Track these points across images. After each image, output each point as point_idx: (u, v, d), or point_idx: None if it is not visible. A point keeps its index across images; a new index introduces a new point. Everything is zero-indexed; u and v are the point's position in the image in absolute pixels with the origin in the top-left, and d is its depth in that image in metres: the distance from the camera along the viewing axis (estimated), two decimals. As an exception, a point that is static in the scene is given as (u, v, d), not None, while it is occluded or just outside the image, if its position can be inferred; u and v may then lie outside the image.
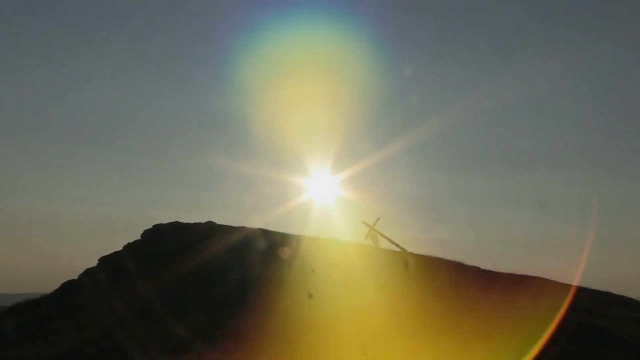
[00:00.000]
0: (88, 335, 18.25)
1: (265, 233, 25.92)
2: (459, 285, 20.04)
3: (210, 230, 27.23)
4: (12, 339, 18.36)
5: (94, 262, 26.48)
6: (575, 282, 21.48)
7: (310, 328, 15.62)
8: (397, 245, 26.11)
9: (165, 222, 29.13)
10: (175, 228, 28.29)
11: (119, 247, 27.49)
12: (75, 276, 25.79)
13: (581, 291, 20.58)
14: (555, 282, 21.80)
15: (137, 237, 28.37)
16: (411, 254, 24.96)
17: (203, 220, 28.77)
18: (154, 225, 28.90)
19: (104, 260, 26.25)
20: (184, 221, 29.12)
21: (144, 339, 15.72)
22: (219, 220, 28.69)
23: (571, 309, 17.06)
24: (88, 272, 25.67)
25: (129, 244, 27.69)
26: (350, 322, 15.99)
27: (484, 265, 23.08)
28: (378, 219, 26.29)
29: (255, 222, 27.80)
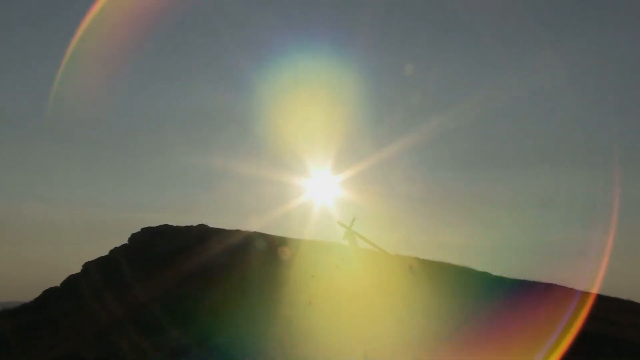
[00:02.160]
0: (69, 348, 18.32)
1: (261, 236, 25.84)
2: (468, 292, 19.93)
3: (203, 233, 27.20)
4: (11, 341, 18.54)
5: (77, 268, 26.69)
6: (593, 290, 21.45)
7: (311, 336, 15.64)
8: (375, 245, 26.14)
9: (154, 225, 29.20)
10: (166, 231, 28.28)
11: (105, 252, 27.63)
12: (57, 283, 26.10)
13: (599, 299, 20.57)
14: (571, 289, 21.69)
15: (125, 241, 28.48)
16: (390, 255, 24.97)
17: (195, 223, 28.80)
18: (142, 229, 28.97)
19: (89, 266, 26.27)
20: (175, 224, 29.18)
21: (134, 349, 15.73)
22: (213, 223, 28.82)
23: (588, 318, 17.06)
24: (71, 279, 25.89)
25: (115, 248, 27.76)
26: (352, 330, 15.99)
27: (495, 271, 23.08)
28: (355, 218, 26.26)
29: (251, 224, 27.83)
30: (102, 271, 24.63)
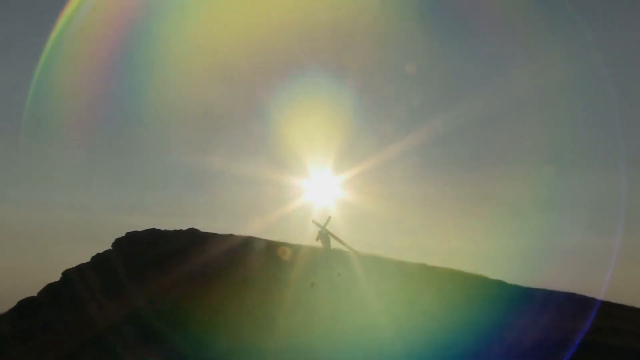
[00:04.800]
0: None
1: (256, 241, 25.55)
2: (480, 302, 19.59)
3: (193, 238, 26.96)
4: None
5: (56, 277, 26.38)
6: (603, 297, 21.31)
7: (312, 349, 15.52)
8: (348, 247, 26.00)
9: (140, 229, 28.94)
10: (152, 236, 28.02)
11: (87, 259, 27.35)
12: (34, 293, 25.76)
13: (612, 307, 20.45)
14: (592, 298, 21.55)
15: (108, 246, 28.24)
16: (366, 256, 24.68)
17: (184, 227, 28.54)
18: (127, 233, 28.73)
19: (68, 274, 26.03)
20: (163, 228, 28.92)
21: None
22: (203, 227, 28.59)
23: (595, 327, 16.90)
24: (50, 288, 25.61)
25: (98, 254, 27.49)
26: (355, 343, 15.86)
27: (510, 279, 22.76)
28: (330, 217, 26.09)
29: (245, 229, 27.60)
30: (78, 281, 24.41)
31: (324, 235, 25.61)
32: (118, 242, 28.02)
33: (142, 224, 40.96)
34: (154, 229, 28.72)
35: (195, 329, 17.43)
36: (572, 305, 20.17)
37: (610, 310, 19.80)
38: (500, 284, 21.98)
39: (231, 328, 17.02)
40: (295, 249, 24.51)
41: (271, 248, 24.45)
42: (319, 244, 26.00)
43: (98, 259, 27.13)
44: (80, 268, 26.31)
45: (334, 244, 26.21)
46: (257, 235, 26.40)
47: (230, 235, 26.65)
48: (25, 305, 24.86)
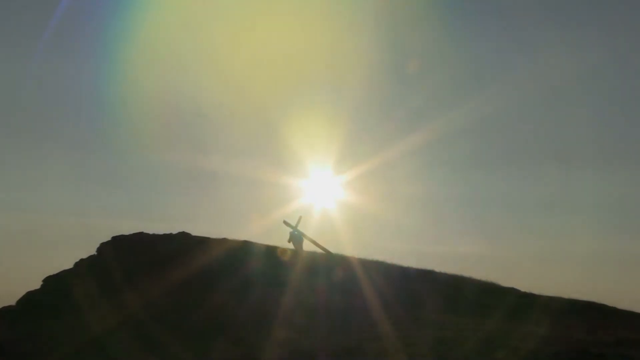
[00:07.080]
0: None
1: (252, 246, 25.31)
2: (492, 311, 19.05)
3: (183, 243, 26.71)
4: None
5: (37, 284, 26.12)
6: (615, 304, 20.62)
7: (312, 354, 15.00)
8: (322, 248, 25.81)
9: (127, 233, 28.67)
10: (140, 241, 27.73)
11: (70, 265, 27.12)
12: (13, 302, 25.40)
13: (624, 315, 19.90)
14: (602, 305, 20.75)
15: (93, 251, 27.94)
16: (341, 257, 24.33)
17: (175, 231, 28.34)
18: (113, 237, 28.36)
19: (49, 281, 25.79)
20: (151, 232, 28.69)
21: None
22: (195, 230, 28.41)
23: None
24: (29, 297, 25.22)
25: (81, 260, 27.21)
26: (356, 349, 14.97)
27: (523, 286, 22.39)
28: (300, 217, 25.77)
29: (240, 232, 27.33)
30: (60, 289, 24.01)
31: (297, 236, 25.28)
32: (103, 247, 27.59)
33: (126, 228, 40.39)
34: (141, 233, 28.41)
35: (194, 334, 17.40)
36: (582, 313, 19.65)
37: (622, 319, 19.13)
38: (510, 291, 21.65)
39: (230, 332, 16.98)
40: (295, 252, 24.34)
41: (269, 252, 24.10)
42: (306, 245, 25.69)
43: (83, 264, 26.68)
44: (66, 274, 25.94)
45: (307, 245, 26.07)
46: (252, 239, 26.27)
47: (224, 240, 26.37)
48: (5, 315, 24.25)
